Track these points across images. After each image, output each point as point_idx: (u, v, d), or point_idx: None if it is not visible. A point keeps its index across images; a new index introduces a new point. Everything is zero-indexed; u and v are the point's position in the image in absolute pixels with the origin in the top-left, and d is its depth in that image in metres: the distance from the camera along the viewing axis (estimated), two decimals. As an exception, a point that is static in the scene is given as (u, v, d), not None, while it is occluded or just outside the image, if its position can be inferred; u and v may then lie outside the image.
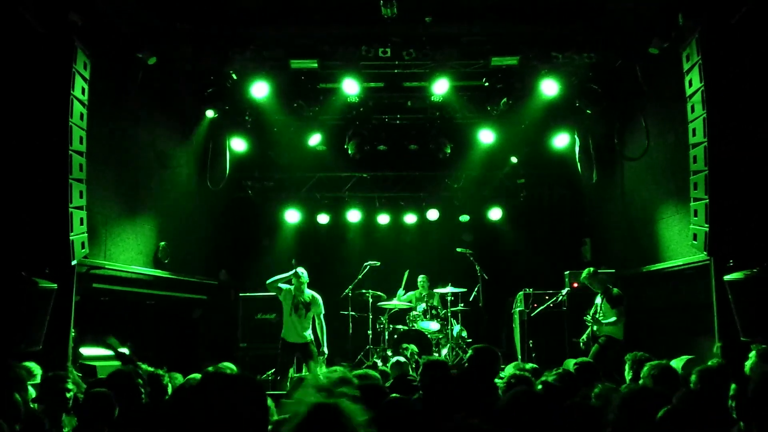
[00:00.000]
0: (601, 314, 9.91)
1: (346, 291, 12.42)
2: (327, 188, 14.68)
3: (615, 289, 9.96)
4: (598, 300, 10.07)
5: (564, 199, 14.68)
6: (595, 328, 9.98)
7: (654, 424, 3.26)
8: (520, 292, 12.12)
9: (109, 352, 8.91)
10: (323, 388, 2.93)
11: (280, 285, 10.12)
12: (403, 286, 12.90)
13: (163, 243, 10.97)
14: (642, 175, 11.03)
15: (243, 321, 12.42)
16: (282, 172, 14.40)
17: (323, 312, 10.26)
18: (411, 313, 12.41)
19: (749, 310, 7.26)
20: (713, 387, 4.96)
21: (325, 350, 10.15)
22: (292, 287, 10.09)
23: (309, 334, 10.09)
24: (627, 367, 6.43)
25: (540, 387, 5.13)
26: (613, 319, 9.70)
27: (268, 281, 10.20)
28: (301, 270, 10.11)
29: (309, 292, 10.19)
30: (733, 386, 4.24)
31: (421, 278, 13.02)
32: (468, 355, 5.81)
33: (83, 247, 7.95)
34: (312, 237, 14.80)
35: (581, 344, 10.22)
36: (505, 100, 11.44)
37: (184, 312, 11.93)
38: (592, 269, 10.31)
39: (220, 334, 12.70)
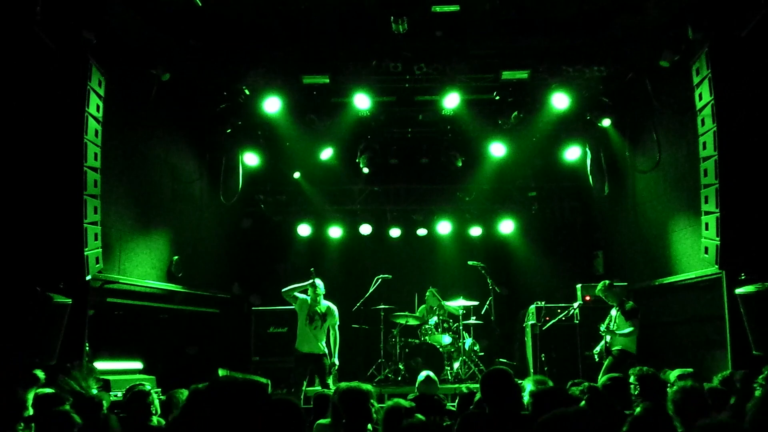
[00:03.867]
0: (615, 327, 9.87)
1: (358, 304, 12.44)
2: (339, 202, 14.73)
3: (630, 303, 9.93)
4: (614, 312, 10.04)
5: (576, 212, 14.65)
6: (608, 339, 9.94)
7: None
8: (532, 306, 12.09)
9: (123, 366, 8.99)
10: None
11: (296, 294, 10.11)
12: (417, 308, 12.96)
13: (176, 257, 11.06)
14: (654, 188, 11.01)
15: (255, 334, 12.45)
16: (294, 186, 14.46)
17: (338, 323, 10.26)
18: (423, 327, 12.40)
19: (761, 323, 7.23)
20: None
21: (336, 361, 10.12)
22: (308, 297, 10.10)
23: (323, 345, 10.07)
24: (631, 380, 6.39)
25: None
26: (628, 330, 9.65)
27: (284, 289, 10.19)
28: (318, 281, 10.12)
29: (325, 303, 10.18)
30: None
31: (429, 291, 13.02)
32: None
33: (97, 262, 8.04)
34: (324, 250, 14.83)
35: (595, 356, 10.19)
36: (516, 113, 11.46)
37: (198, 326, 11.98)
38: (607, 282, 10.28)
39: (233, 347, 12.75)
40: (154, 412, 5.91)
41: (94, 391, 6.88)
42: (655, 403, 5.57)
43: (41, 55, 7.58)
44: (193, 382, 6.02)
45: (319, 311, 10.05)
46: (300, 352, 10.05)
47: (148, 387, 6.09)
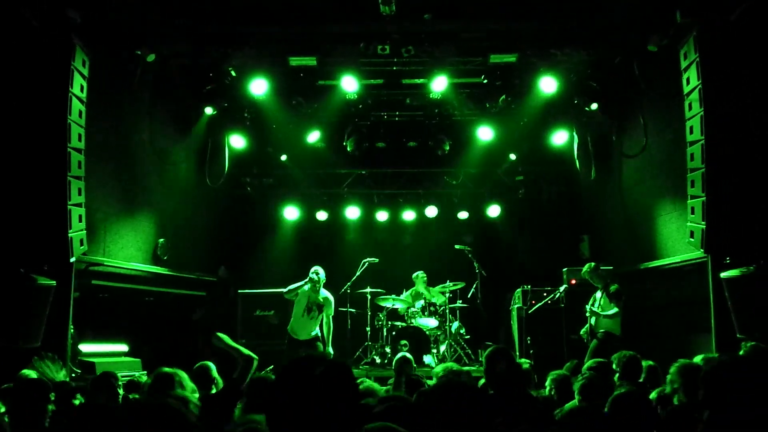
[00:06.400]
0: (599, 308, 9.94)
1: (345, 288, 12.43)
2: (326, 185, 14.69)
3: (614, 285, 9.97)
4: (598, 295, 10.10)
5: (562, 196, 14.67)
6: (593, 321, 10.00)
7: None
8: (518, 289, 12.13)
9: (108, 349, 8.95)
10: None
11: (297, 291, 10.17)
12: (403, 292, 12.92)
13: (162, 240, 10.99)
14: (640, 172, 11.04)
15: (242, 317, 12.43)
16: (281, 169, 14.38)
17: (333, 313, 10.28)
18: (409, 310, 12.42)
19: (745, 307, 7.30)
20: None
21: (331, 350, 10.17)
22: (307, 287, 10.11)
23: (317, 331, 10.13)
24: (614, 366, 6.43)
25: None
26: (612, 311, 9.72)
27: (285, 293, 10.25)
28: (318, 268, 10.13)
29: (324, 292, 10.20)
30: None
31: (416, 275, 13.01)
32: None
33: (82, 244, 7.98)
34: (310, 234, 14.80)
35: (584, 338, 10.22)
36: (503, 97, 11.43)
37: (183, 308, 11.93)
38: (593, 264, 10.34)
39: (219, 330, 12.69)
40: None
41: (61, 378, 6.78)
42: (637, 386, 5.61)
43: (25, 33, 7.48)
44: (179, 364, 5.99)
45: (317, 302, 10.09)
46: (294, 338, 10.15)
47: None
